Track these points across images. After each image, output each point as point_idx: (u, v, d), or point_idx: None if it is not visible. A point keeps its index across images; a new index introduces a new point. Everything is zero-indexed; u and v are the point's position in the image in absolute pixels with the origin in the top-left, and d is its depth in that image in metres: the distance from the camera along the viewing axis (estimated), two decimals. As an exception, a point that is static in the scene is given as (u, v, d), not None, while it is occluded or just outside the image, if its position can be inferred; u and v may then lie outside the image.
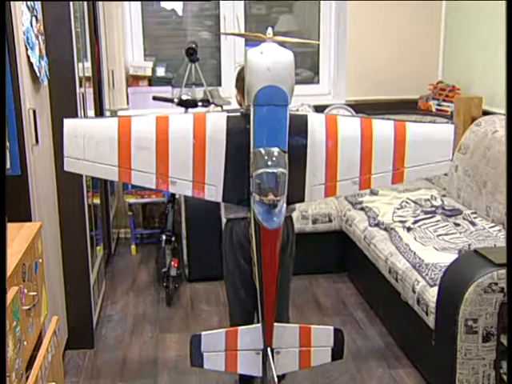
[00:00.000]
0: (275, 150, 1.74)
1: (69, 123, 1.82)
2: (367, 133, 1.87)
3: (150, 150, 1.81)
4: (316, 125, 1.85)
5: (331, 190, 1.88)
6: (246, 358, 1.95)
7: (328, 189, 1.88)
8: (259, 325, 1.94)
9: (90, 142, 1.80)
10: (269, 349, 1.92)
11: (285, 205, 1.79)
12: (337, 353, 1.99)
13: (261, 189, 1.72)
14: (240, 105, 2.31)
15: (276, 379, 1.88)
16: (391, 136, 1.88)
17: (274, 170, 1.72)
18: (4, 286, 1.45)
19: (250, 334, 1.95)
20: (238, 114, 1.90)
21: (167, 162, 1.82)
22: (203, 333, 1.96)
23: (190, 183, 1.85)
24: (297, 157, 1.81)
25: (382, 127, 1.89)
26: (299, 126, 1.82)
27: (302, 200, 1.90)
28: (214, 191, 1.86)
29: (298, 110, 2.22)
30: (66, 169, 1.83)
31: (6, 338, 1.43)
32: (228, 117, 1.85)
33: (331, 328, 1.95)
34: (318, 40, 4.66)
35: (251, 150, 1.78)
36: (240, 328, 1.97)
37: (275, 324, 1.91)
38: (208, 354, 1.95)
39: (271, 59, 1.74)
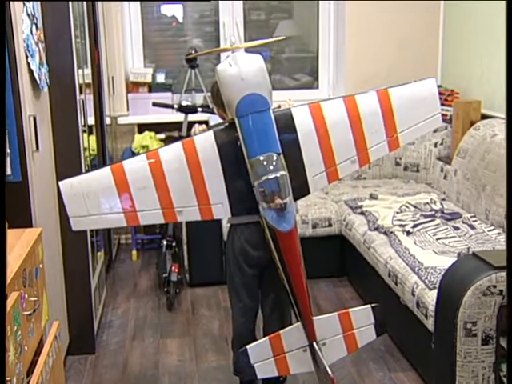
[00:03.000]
0: (272, 155, 1.75)
1: (65, 184, 1.84)
2: (353, 111, 1.88)
3: (149, 188, 1.81)
4: (302, 117, 1.86)
5: (333, 174, 1.90)
6: (295, 357, 2.00)
7: (330, 174, 1.90)
8: (299, 323, 1.97)
9: (90, 197, 1.82)
10: (314, 343, 1.96)
11: (293, 205, 1.81)
12: (379, 328, 2.05)
13: (266, 195, 1.75)
14: (223, 118, 2.24)
15: (329, 370, 1.95)
16: (377, 107, 1.90)
17: (275, 175, 1.74)
18: (4, 291, 1.46)
19: (292, 335, 1.98)
20: (223, 126, 1.90)
21: (169, 194, 1.83)
22: (248, 346, 1.98)
23: (197, 208, 1.86)
24: (292, 153, 1.83)
25: (367, 101, 1.91)
26: (286, 123, 1.83)
27: (307, 193, 1.91)
28: (221, 209, 1.87)
29: (279, 107, 2.21)
30: (74, 229, 1.85)
31: (5, 344, 1.44)
32: (215, 132, 1.86)
33: (368, 306, 2.00)
34: (318, 45, 4.68)
35: (246, 160, 1.79)
36: (282, 332, 2.00)
37: (314, 318, 1.94)
38: (258, 364, 1.99)
39: (242, 69, 1.75)
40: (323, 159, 1.87)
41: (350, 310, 1.97)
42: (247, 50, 1.84)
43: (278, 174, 1.75)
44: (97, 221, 1.85)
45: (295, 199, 1.87)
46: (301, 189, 1.88)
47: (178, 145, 1.85)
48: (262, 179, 1.75)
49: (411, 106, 1.93)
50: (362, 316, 1.99)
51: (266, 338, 2.00)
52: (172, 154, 1.84)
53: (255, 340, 2.26)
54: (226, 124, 1.90)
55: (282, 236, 1.81)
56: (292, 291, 1.93)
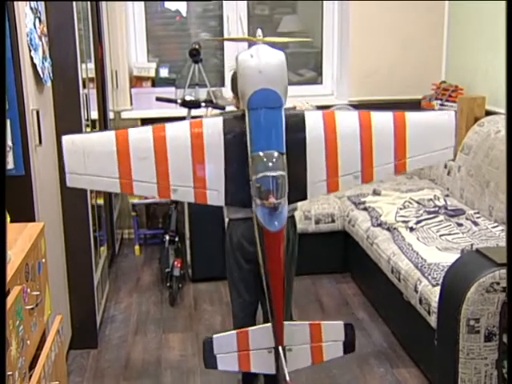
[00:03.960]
0: (274, 153, 1.74)
1: (67, 139, 1.82)
2: (366, 126, 1.86)
3: (149, 160, 1.81)
4: (313, 121, 1.84)
5: (333, 185, 1.87)
6: (259, 356, 1.98)
7: (330, 185, 1.87)
8: (269, 324, 1.96)
9: (90, 157, 1.81)
10: (280, 347, 1.93)
11: (286, 206, 1.79)
12: (348, 346, 2.00)
13: (261, 192, 1.73)
14: (237, 107, 2.30)
15: (288, 377, 1.91)
16: (391, 127, 1.87)
17: (274, 173, 1.73)
18: (4, 286, 1.46)
19: (260, 334, 1.96)
20: (234, 116, 1.89)
21: (167, 170, 1.82)
22: (215, 336, 1.97)
23: (192, 190, 1.85)
24: (296, 155, 1.81)
25: (381, 119, 1.88)
26: (297, 124, 1.81)
27: (304, 198, 1.89)
28: (216, 196, 1.86)
29: (295, 108, 2.21)
30: (68, 185, 1.83)
31: (6, 339, 1.44)
32: (224, 120, 1.85)
33: (341, 323, 1.96)
34: (322, 40, 4.67)
35: (249, 153, 1.78)
36: (250, 329, 1.99)
37: (285, 323, 1.92)
38: (221, 355, 1.97)
39: (262, 62, 1.73)
40: (326, 168, 1.85)
41: (323, 322, 1.95)
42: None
43: (277, 174, 1.73)
44: (92, 181, 1.84)
45: (290, 202, 1.85)
46: (298, 193, 1.85)
47: (186, 124, 1.84)
48: (260, 175, 1.73)
49: (425, 134, 1.89)
50: (333, 331, 1.96)
51: (234, 331, 1.99)
52: (178, 132, 1.83)
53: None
54: (238, 114, 1.89)
55: (268, 235, 1.80)
56: (269, 292, 1.91)
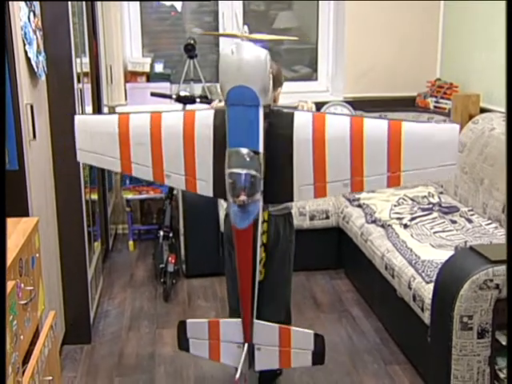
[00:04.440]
0: (245, 151, 1.74)
1: (79, 119, 1.99)
2: (357, 133, 1.75)
3: (146, 146, 1.89)
4: (302, 122, 1.78)
5: (320, 190, 1.81)
6: (228, 348, 2.00)
7: (317, 189, 1.81)
8: (239, 320, 1.96)
9: (96, 137, 1.94)
10: (247, 344, 1.95)
11: (260, 205, 1.79)
12: (317, 358, 1.95)
13: (231, 189, 1.75)
14: None
15: (247, 375, 1.95)
16: (384, 136, 1.73)
17: (245, 171, 1.73)
18: (4, 283, 1.46)
19: (230, 327, 1.98)
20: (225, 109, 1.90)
21: (161, 156, 1.89)
22: (188, 320, 2.03)
23: (183, 177, 1.90)
24: (283, 155, 1.78)
25: (374, 127, 1.75)
26: (285, 122, 1.78)
27: (291, 199, 1.86)
28: (205, 186, 1.88)
29: (297, 107, 2.22)
30: (78, 160, 2.01)
31: (5, 336, 1.44)
32: (216, 113, 1.86)
33: (311, 332, 1.92)
34: (317, 37, 4.67)
35: (227, 148, 1.80)
36: (221, 320, 2.01)
37: (255, 321, 1.92)
38: (193, 340, 2.04)
39: (241, 59, 1.72)
40: (313, 172, 1.79)
41: (292, 328, 1.93)
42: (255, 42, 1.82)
43: (248, 172, 1.74)
44: (98, 159, 1.98)
45: (276, 202, 1.85)
46: (284, 194, 1.83)
47: (180, 114, 1.89)
48: (231, 171, 1.75)
49: (423, 148, 1.74)
50: (302, 339, 1.92)
51: (206, 320, 2.02)
52: (172, 121, 1.88)
53: None
54: None
55: (237, 232, 1.82)
56: (240, 288, 1.93)
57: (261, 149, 1.75)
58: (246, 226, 1.79)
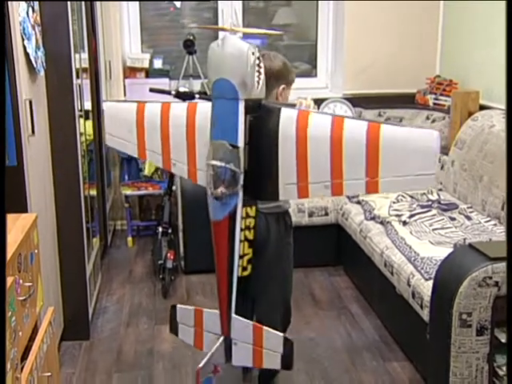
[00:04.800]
0: (225, 144, 1.75)
1: (107, 105, 2.16)
2: (337, 133, 1.67)
3: (156, 134, 1.98)
4: (288, 119, 1.75)
5: (303, 191, 1.76)
6: (209, 338, 2.01)
7: (300, 189, 1.76)
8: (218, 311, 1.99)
9: (119, 123, 2.07)
10: (222, 337, 1.95)
11: (239, 199, 1.79)
12: (285, 362, 1.90)
13: (210, 180, 1.78)
14: None
15: (213, 367, 1.96)
16: (363, 139, 1.64)
17: (223, 164, 1.75)
18: (4, 278, 1.45)
19: (212, 318, 1.99)
20: None
21: (168, 145, 1.97)
22: (178, 306, 2.07)
23: (186, 166, 1.95)
24: (270, 151, 1.76)
25: (353, 128, 1.66)
26: (272, 118, 1.75)
27: (276, 198, 1.83)
28: (203, 176, 1.90)
29: (300, 104, 2.22)
30: (106, 143, 2.14)
31: (5, 332, 1.43)
32: None
33: (281, 335, 1.89)
34: (316, 33, 4.66)
35: (210, 140, 1.83)
36: (205, 310, 2.02)
37: (233, 316, 1.92)
38: (181, 325, 2.07)
39: (224, 52, 1.74)
40: (297, 171, 1.74)
41: (265, 328, 1.93)
42: (249, 36, 1.84)
43: (227, 165, 1.75)
44: (121, 144, 2.09)
45: (261, 199, 1.85)
46: (270, 192, 1.80)
47: (185, 105, 1.94)
48: (211, 163, 1.78)
49: (401, 153, 1.63)
50: (273, 340, 1.89)
51: (193, 307, 2.04)
52: (178, 112, 1.95)
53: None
54: None
55: (213, 223, 1.87)
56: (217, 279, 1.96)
57: (240, 143, 1.76)
58: (221, 217, 1.83)
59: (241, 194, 1.79)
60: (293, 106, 2.21)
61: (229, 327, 1.94)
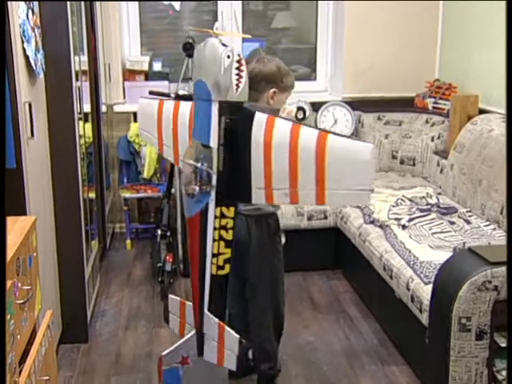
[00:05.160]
0: (198, 144, 1.82)
1: (141, 101, 2.26)
2: (294, 140, 1.66)
3: (170, 130, 2.06)
4: (259, 124, 1.75)
5: (269, 196, 1.75)
6: (190, 330, 2.03)
7: (267, 194, 1.76)
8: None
9: (144, 117, 2.25)
10: (194, 330, 1.98)
11: (210, 198, 1.81)
12: (238, 364, 1.89)
13: (184, 178, 1.86)
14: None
15: (181, 357, 2.00)
16: (313, 148, 1.63)
17: (198, 164, 1.80)
18: (4, 280, 1.45)
19: (191, 312, 2.01)
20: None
21: (177, 142, 2.04)
22: (170, 296, 2.13)
23: None
24: (244, 154, 1.76)
25: (307, 136, 1.65)
26: (247, 121, 1.76)
27: (249, 200, 1.82)
28: None
29: (283, 110, 2.26)
30: (141, 137, 2.37)
31: (5, 334, 1.43)
32: None
33: (237, 336, 1.88)
34: (316, 36, 4.66)
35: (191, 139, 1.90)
36: (187, 303, 2.04)
37: (205, 312, 1.94)
38: (171, 315, 2.12)
39: (203, 55, 1.79)
40: (264, 176, 1.74)
41: (226, 327, 1.92)
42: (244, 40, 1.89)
43: (200, 165, 1.81)
44: (147, 138, 2.22)
45: (236, 200, 1.87)
46: (244, 194, 1.80)
47: (189, 104, 1.99)
48: (187, 161, 1.86)
49: (342, 166, 1.61)
50: (231, 341, 1.89)
51: (179, 299, 2.08)
52: (184, 109, 2.01)
53: (246, 322, 2.44)
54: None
55: (187, 220, 1.93)
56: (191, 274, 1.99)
57: (212, 144, 1.78)
58: (192, 214, 1.86)
59: (213, 193, 1.82)
60: (277, 111, 2.22)
61: (201, 322, 1.96)
